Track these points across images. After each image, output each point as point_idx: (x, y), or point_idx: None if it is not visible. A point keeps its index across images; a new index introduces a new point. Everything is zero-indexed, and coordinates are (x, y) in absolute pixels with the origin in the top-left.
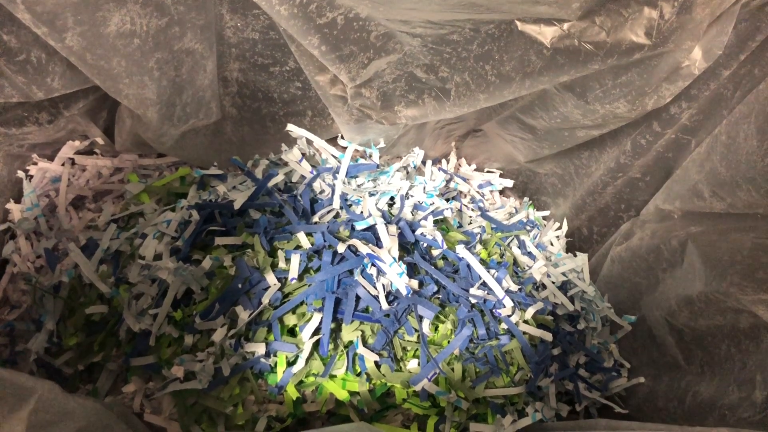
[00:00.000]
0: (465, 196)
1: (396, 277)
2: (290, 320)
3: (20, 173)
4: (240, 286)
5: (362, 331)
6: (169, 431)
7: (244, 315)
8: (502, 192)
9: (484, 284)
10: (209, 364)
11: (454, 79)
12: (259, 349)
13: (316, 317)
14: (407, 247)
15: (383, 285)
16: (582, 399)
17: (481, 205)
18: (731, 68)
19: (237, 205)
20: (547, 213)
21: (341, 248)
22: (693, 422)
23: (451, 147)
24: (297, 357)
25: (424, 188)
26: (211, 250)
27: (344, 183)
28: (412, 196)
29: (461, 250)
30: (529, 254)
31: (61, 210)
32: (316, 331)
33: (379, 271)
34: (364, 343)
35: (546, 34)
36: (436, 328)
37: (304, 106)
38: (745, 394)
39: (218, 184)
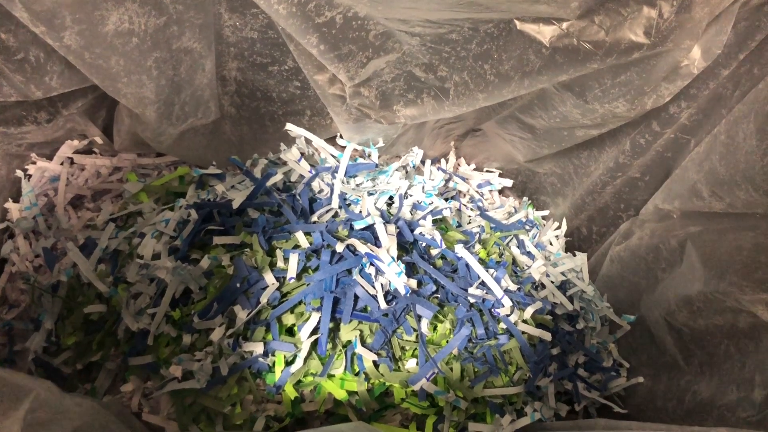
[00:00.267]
0: (464, 195)
1: (394, 276)
2: (288, 320)
3: (19, 172)
4: (238, 285)
5: (361, 331)
6: (167, 431)
7: (242, 314)
8: (501, 191)
9: (482, 284)
10: (207, 363)
11: (453, 78)
12: (258, 348)
13: (315, 317)
14: (406, 246)
15: (382, 284)
16: (581, 399)
17: (480, 204)
18: (730, 68)
19: (235, 205)
20: (546, 212)
21: (340, 248)
22: (692, 422)
23: (450, 146)
24: (295, 356)
25: (423, 188)
26: (210, 250)
27: (343, 182)
28: (410, 196)
29: (460, 250)
30: (528, 254)
31: (60, 209)
32: (315, 331)
33: (378, 271)
34: (363, 343)
35: (545, 33)
36: (435, 328)
37: (302, 105)
38: (744, 393)
39: (217, 183)
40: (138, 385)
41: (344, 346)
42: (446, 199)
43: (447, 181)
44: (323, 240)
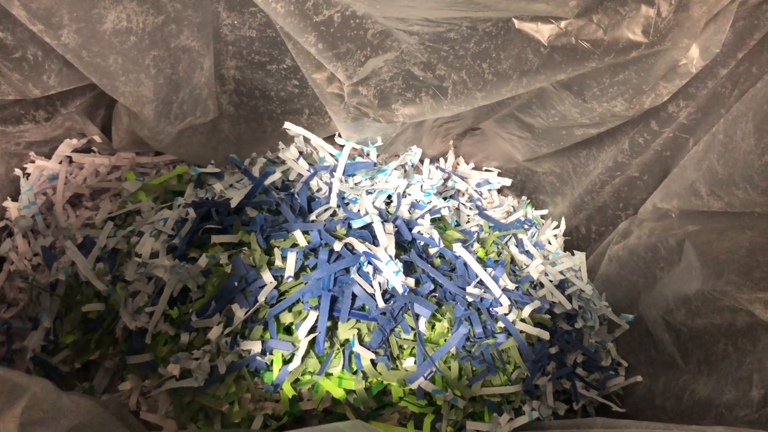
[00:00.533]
0: (463, 194)
1: (392, 275)
2: (286, 318)
3: (17, 171)
4: (236, 284)
5: (358, 330)
6: (166, 429)
7: (240, 313)
8: (500, 191)
9: (481, 282)
10: (205, 362)
11: (451, 77)
12: (255, 347)
13: (312, 315)
14: (404, 245)
15: (379, 283)
16: (579, 398)
17: (478, 203)
18: (729, 67)
19: (234, 203)
20: (545, 212)
21: (338, 246)
22: (690, 421)
23: (449, 145)
24: (293, 355)
25: (422, 187)
26: (208, 248)
27: (341, 181)
28: (409, 195)
29: (458, 249)
30: (527, 253)
31: (59, 208)
32: (312, 329)
33: (376, 270)
34: (361, 342)
35: (543, 32)
36: (433, 327)
37: (301, 104)
38: (742, 392)
39: (215, 182)
40: (136, 384)
41: (342, 345)
42: (445, 198)
43: (446, 180)
44: (321, 239)
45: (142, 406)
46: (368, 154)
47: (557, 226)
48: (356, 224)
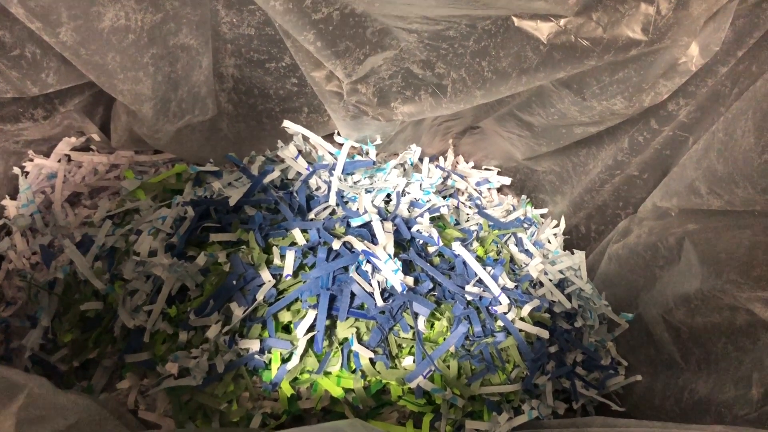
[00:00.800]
0: (462, 193)
1: (391, 273)
2: (285, 317)
3: (16, 170)
4: (234, 282)
5: (357, 328)
6: (164, 428)
7: (238, 312)
8: (499, 189)
9: (480, 281)
10: (203, 360)
11: (450, 75)
12: (254, 345)
13: (311, 314)
14: (403, 244)
15: (378, 282)
16: (579, 397)
17: (478, 202)
18: (728, 65)
19: (232, 202)
20: (544, 211)
21: (336, 245)
22: (689, 420)
23: (448, 144)
24: (291, 354)
25: (421, 185)
26: (206, 247)
27: (340, 180)
28: (408, 193)
29: (457, 248)
30: (526, 252)
31: (57, 206)
32: (311, 328)
33: (375, 268)
34: (359, 340)
35: (542, 30)
36: (432, 325)
37: (300, 102)
38: (742, 391)
39: (214, 180)
40: (134, 383)
41: (341, 344)
42: (444, 197)
43: (445, 178)
44: (320, 237)
45: (140, 405)
46: (367, 153)
47: (557, 225)
48: (355, 223)
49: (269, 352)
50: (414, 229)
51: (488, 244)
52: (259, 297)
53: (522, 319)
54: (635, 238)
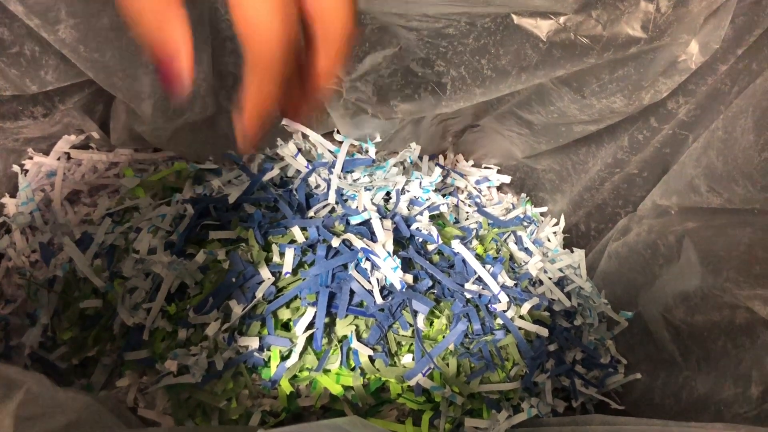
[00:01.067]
0: (462, 191)
1: (390, 271)
2: (284, 314)
3: (15, 168)
4: (234, 280)
5: (356, 326)
6: (163, 425)
7: (237, 309)
8: (499, 188)
9: (479, 279)
10: (203, 358)
11: (450, 73)
12: (253, 343)
13: (310, 311)
14: (402, 242)
15: (377, 279)
16: (578, 395)
17: (477, 200)
18: (728, 63)
19: (231, 200)
20: (544, 209)
21: (335, 242)
22: (689, 418)
23: (448, 142)
24: (291, 351)
25: (421, 183)
26: (206, 245)
27: (340, 178)
28: (408, 192)
29: (457, 246)
30: (526, 250)
31: (57, 204)
32: (310, 326)
33: (374, 266)
34: (359, 338)
35: (542, 27)
36: (431, 323)
37: None
38: (741, 390)
39: (213, 178)
40: (134, 380)
41: (340, 341)
42: (444, 195)
43: (444, 177)
44: (319, 235)
45: (139, 403)
46: (367, 151)
47: (556, 224)
48: (354, 221)
49: (268, 350)
50: (413, 227)
51: (488, 243)
52: (259, 294)
53: (521, 317)
54: (635, 237)
